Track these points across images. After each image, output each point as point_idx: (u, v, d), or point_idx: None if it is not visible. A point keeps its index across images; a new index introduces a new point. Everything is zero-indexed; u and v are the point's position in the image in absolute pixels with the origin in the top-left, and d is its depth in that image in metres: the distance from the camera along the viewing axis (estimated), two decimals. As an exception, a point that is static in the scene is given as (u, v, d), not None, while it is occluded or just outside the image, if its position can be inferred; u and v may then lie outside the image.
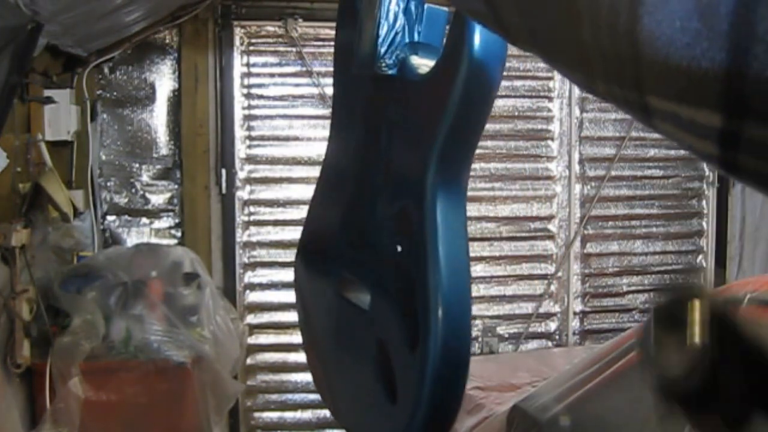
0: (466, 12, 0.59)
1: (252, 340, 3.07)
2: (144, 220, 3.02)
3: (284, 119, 3.07)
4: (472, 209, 3.18)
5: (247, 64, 3.04)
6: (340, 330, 1.06)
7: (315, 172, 3.09)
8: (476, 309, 3.20)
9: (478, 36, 0.86)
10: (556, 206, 3.35)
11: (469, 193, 0.98)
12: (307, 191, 3.08)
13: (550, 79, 3.31)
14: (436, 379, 0.84)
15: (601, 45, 0.42)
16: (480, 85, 0.90)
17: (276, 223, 3.09)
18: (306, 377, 3.12)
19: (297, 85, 3.05)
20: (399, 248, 0.91)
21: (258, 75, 3.05)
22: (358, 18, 0.99)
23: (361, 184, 1.04)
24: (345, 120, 1.11)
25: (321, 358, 1.09)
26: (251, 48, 3.04)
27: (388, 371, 0.92)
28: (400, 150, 0.95)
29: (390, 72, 0.97)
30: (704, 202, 3.48)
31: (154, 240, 2.99)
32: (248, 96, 3.05)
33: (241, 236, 3.08)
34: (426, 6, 0.99)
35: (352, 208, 1.06)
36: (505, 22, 0.50)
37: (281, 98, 3.06)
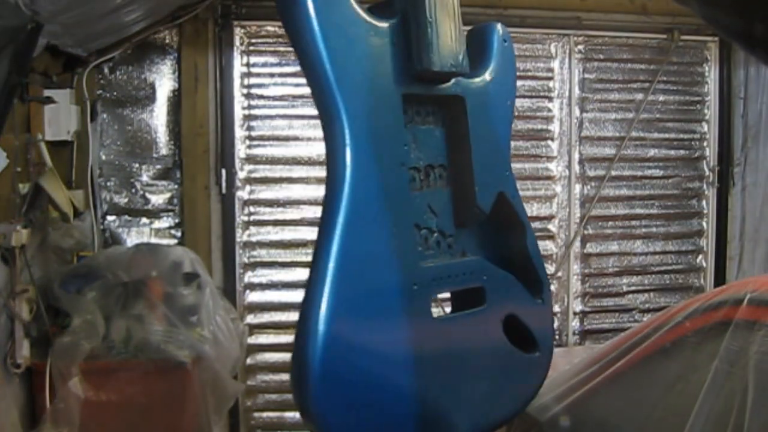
0: None
1: (252, 340, 3.07)
2: (144, 220, 3.02)
3: (284, 119, 3.07)
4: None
5: (247, 64, 3.04)
6: (453, 346, 1.05)
7: (315, 172, 3.12)
8: (476, 309, 3.20)
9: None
10: (556, 206, 3.35)
11: (470, 194, 1.08)
12: (308, 191, 3.11)
13: (550, 79, 3.31)
14: (551, 303, 1.11)
15: None
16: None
17: (276, 223, 3.09)
18: (306, 377, 3.12)
19: (297, 85, 3.04)
20: (503, 229, 1.12)
21: (258, 75, 3.05)
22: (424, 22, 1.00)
23: (436, 193, 1.09)
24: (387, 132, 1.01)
25: (434, 391, 1.02)
26: (251, 48, 3.04)
27: (522, 333, 1.11)
28: (485, 148, 1.10)
29: (461, 78, 1.08)
30: (704, 202, 3.49)
31: (154, 240, 2.99)
32: (248, 96, 3.05)
33: (241, 236, 3.08)
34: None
35: (427, 220, 1.06)
36: None
37: (281, 98, 3.06)
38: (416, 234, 1.03)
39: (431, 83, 1.04)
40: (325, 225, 0.92)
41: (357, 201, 0.93)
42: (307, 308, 0.90)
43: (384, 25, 0.99)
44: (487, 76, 1.12)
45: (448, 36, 1.01)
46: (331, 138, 0.94)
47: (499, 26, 1.15)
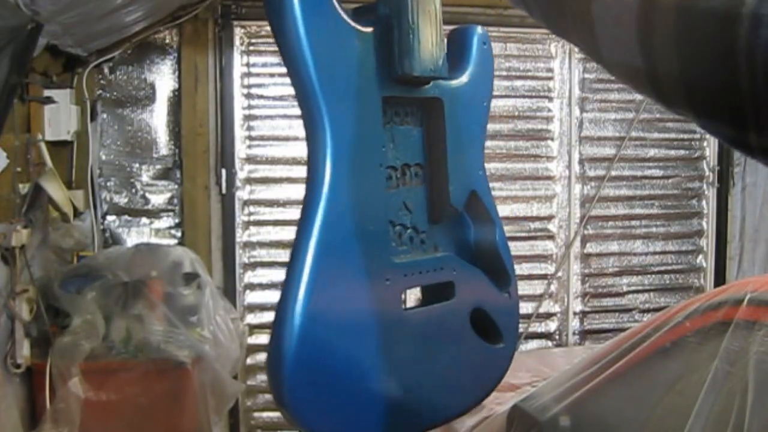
0: (611, 66, 0.56)
1: (252, 340, 3.07)
2: (144, 220, 3.02)
3: (284, 119, 3.07)
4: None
5: (247, 64, 3.04)
6: (422, 338, 1.09)
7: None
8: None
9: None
10: (556, 206, 3.35)
11: (470, 194, 1.16)
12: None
13: (550, 79, 3.31)
14: (517, 297, 1.23)
15: (758, 93, 0.42)
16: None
17: (276, 223, 3.09)
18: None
19: (297, 85, 3.04)
20: (473, 226, 1.17)
21: (258, 75, 3.05)
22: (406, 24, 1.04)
23: (412, 190, 1.12)
24: (369, 129, 1.06)
25: (400, 381, 1.07)
26: (251, 48, 3.04)
27: (487, 325, 1.16)
28: (460, 148, 1.14)
29: (440, 80, 1.11)
30: (704, 202, 3.49)
31: (154, 240, 2.99)
32: (248, 96, 3.05)
33: (241, 236, 3.08)
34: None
35: (400, 216, 1.10)
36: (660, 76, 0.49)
37: (281, 98, 3.06)
38: (390, 230, 1.07)
39: (411, 86, 1.08)
40: (302, 222, 0.96)
41: (334, 199, 0.96)
42: (282, 303, 0.94)
43: (367, 30, 1.02)
44: (464, 78, 1.17)
45: (429, 42, 1.04)
46: (313, 139, 0.99)
47: (479, 29, 1.19)
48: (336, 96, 0.97)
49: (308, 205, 0.96)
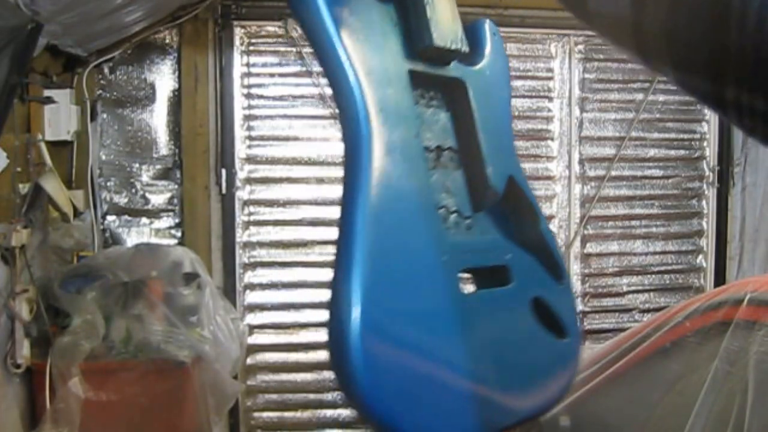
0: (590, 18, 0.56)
1: (252, 340, 3.07)
2: (144, 220, 3.02)
3: (284, 119, 3.07)
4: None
5: (247, 64, 3.04)
6: (486, 325, 1.03)
7: (315, 172, 3.12)
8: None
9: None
10: (556, 206, 3.35)
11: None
12: (308, 191, 3.12)
13: (550, 79, 3.31)
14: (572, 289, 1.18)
15: (746, 47, 0.42)
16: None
17: (276, 223, 3.09)
18: (306, 377, 3.13)
19: (297, 85, 3.05)
20: (516, 214, 1.14)
21: (258, 75, 3.05)
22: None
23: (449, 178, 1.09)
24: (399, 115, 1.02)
25: (482, 378, 1.00)
26: (251, 48, 3.04)
27: (549, 318, 1.10)
28: (491, 132, 1.12)
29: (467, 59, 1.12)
30: (704, 202, 3.48)
31: (154, 240, 2.99)
32: (248, 96, 3.05)
33: (241, 236, 3.08)
34: None
35: (448, 205, 1.07)
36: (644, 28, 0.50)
37: (281, 98, 3.06)
38: (437, 211, 1.03)
39: (434, 63, 1.07)
40: (348, 203, 0.91)
41: (379, 178, 0.92)
42: (338, 290, 0.87)
43: (387, 3, 1.03)
44: (484, 64, 1.17)
45: (447, 14, 1.05)
46: (347, 116, 0.94)
47: (487, 21, 1.20)
48: (365, 69, 0.95)
49: (352, 186, 0.92)
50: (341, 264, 0.89)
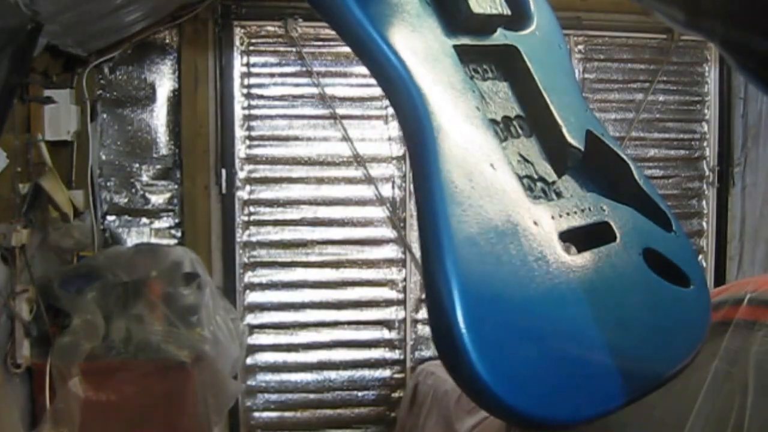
0: None
1: (252, 340, 3.07)
2: (144, 220, 3.02)
3: (284, 119, 3.07)
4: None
5: (247, 64, 3.04)
6: (598, 281, 0.97)
7: (315, 172, 3.12)
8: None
9: None
10: (556, 206, 3.34)
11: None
12: (308, 191, 3.12)
13: (550, 79, 3.31)
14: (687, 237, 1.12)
15: None
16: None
17: (276, 223, 3.09)
18: (306, 377, 3.13)
19: (297, 85, 3.05)
20: (604, 168, 1.10)
21: (258, 75, 3.05)
22: None
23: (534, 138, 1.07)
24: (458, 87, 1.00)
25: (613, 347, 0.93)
26: (251, 48, 3.04)
27: (667, 267, 1.05)
28: (557, 90, 1.10)
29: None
30: (704, 202, 3.48)
31: (154, 240, 2.99)
32: (248, 96, 3.05)
33: (241, 236, 3.08)
34: None
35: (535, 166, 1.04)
36: None
37: (281, 98, 3.06)
38: (519, 181, 0.98)
39: (477, 34, 1.04)
40: (423, 187, 0.87)
41: (448, 150, 0.89)
42: (431, 274, 0.82)
43: None
44: (533, 27, 1.13)
45: None
46: (402, 105, 0.90)
47: None
48: (408, 50, 0.92)
49: (424, 171, 0.88)
50: (426, 252, 0.84)
